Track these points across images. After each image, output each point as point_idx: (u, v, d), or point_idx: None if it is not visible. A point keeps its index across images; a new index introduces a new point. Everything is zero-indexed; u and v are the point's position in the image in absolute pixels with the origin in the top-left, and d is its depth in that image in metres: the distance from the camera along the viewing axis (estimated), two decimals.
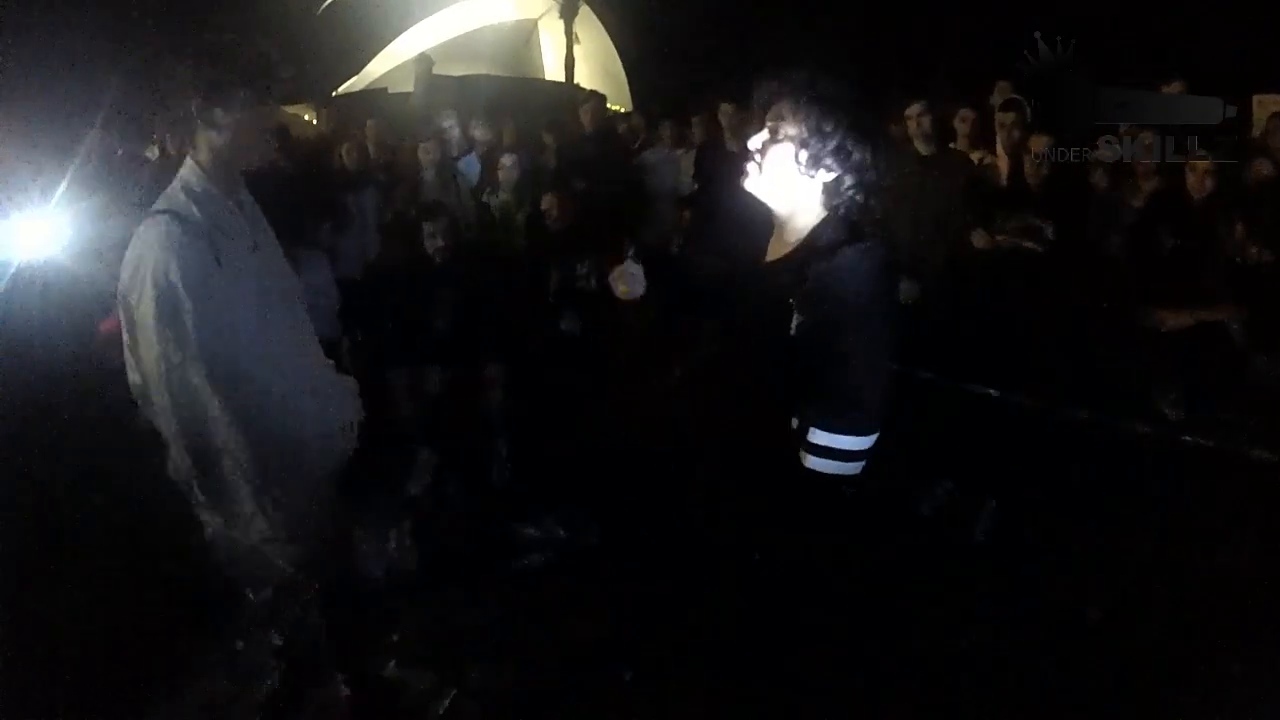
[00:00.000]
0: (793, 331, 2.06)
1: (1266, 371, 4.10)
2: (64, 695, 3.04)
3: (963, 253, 4.71)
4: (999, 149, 5.21)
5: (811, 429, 2.03)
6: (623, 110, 10.78)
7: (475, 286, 5.00)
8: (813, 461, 2.03)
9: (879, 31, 13.06)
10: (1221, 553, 3.74)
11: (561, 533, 4.25)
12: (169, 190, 2.27)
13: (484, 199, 5.99)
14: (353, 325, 5.13)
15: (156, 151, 7.43)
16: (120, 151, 6.88)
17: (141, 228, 2.20)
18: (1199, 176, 4.60)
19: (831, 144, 2.06)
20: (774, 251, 2.23)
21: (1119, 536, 3.86)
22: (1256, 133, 5.63)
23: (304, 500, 2.35)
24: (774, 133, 2.12)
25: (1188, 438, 4.03)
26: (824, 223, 2.12)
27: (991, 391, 4.32)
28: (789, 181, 2.13)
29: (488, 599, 3.84)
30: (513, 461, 4.87)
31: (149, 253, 2.17)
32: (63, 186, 4.74)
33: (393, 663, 3.37)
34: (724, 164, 5.80)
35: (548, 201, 5.28)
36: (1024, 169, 4.81)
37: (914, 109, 5.01)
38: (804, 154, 2.08)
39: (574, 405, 4.93)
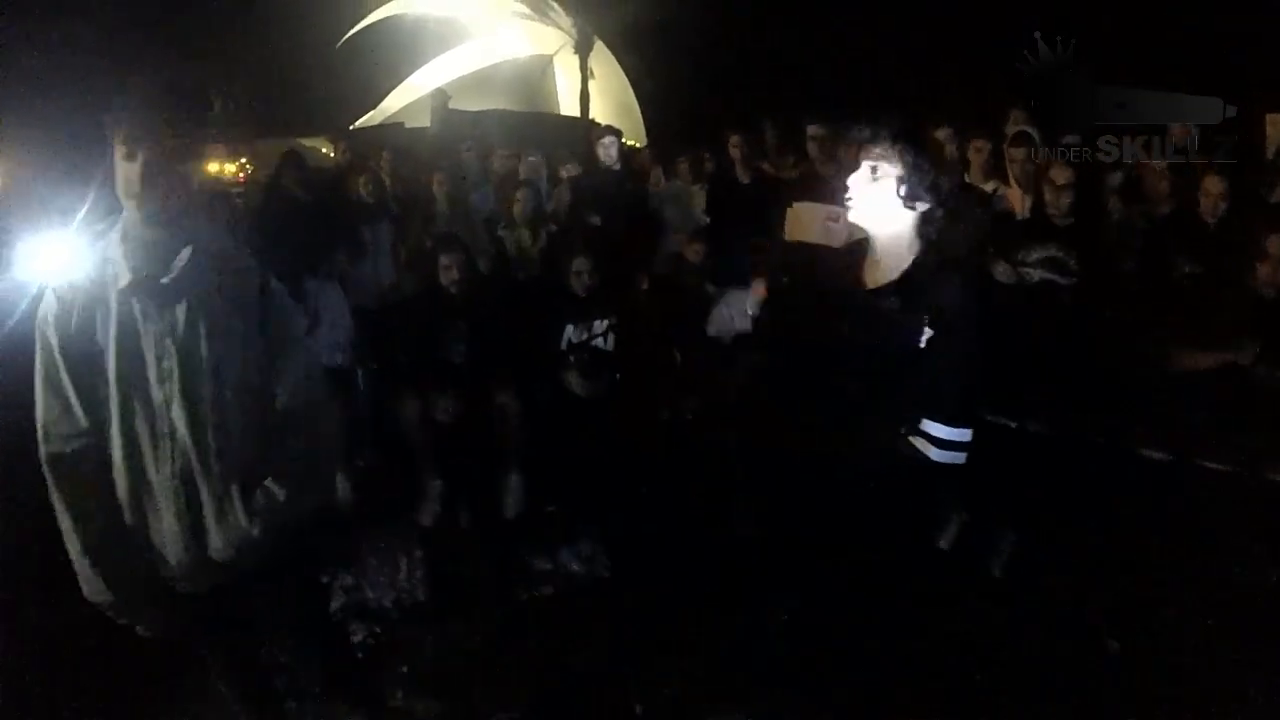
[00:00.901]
0: (923, 344, 2.30)
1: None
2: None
3: (986, 285, 4.69)
4: (1011, 182, 5.21)
5: (937, 425, 2.32)
6: (637, 144, 10.84)
7: (489, 318, 5.00)
8: (937, 454, 2.32)
9: (890, 62, 13.16)
10: (1240, 576, 3.72)
11: (574, 565, 4.23)
12: None
13: (499, 232, 6.03)
14: (368, 354, 5.15)
15: None
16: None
17: None
18: (1212, 200, 4.59)
19: (928, 179, 2.35)
20: (873, 278, 2.45)
21: (1144, 566, 3.85)
22: (1270, 154, 5.61)
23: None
24: (874, 170, 2.37)
25: (1212, 464, 4.01)
26: (926, 252, 2.40)
27: (1011, 423, 4.30)
28: (890, 215, 2.39)
29: (498, 629, 3.82)
30: (525, 492, 4.86)
31: None
32: (84, 207, 4.79)
33: (401, 692, 3.36)
34: (735, 196, 5.83)
35: (580, 264, 5.21)
36: (1043, 199, 4.80)
37: (942, 134, 5.01)
38: (904, 189, 2.35)
39: (588, 435, 4.92)
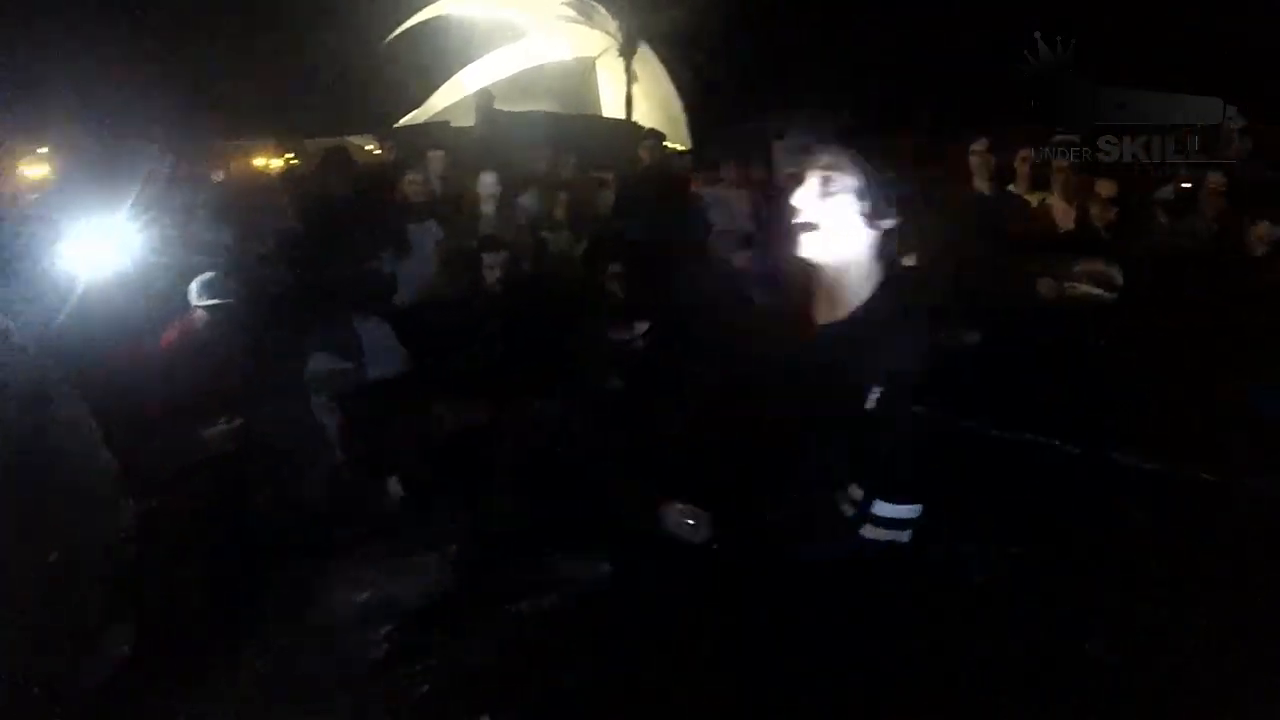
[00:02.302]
0: (870, 405, 1.89)
1: None
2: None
3: (1026, 297, 4.63)
4: (1057, 195, 5.14)
5: (876, 502, 1.93)
6: (681, 149, 10.81)
7: (530, 319, 4.98)
8: (873, 532, 1.94)
9: (941, 68, 13.06)
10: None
11: (601, 571, 4.15)
12: None
13: (541, 234, 6.02)
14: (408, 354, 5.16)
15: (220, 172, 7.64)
16: (177, 171, 7.00)
17: None
18: (1256, 239, 4.52)
19: (890, 191, 1.98)
20: (825, 313, 2.06)
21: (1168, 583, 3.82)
22: None
23: None
24: (826, 183, 1.99)
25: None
26: (886, 289, 2.00)
27: (1042, 439, 4.26)
28: (844, 235, 1.99)
29: (488, 641, 3.78)
30: (542, 499, 4.80)
31: None
32: (128, 201, 4.90)
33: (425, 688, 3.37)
34: (780, 204, 5.78)
35: (619, 268, 5.21)
36: (1088, 213, 4.73)
37: (979, 145, 4.94)
38: (865, 204, 1.97)
39: (626, 439, 4.88)
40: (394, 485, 4.96)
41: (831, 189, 1.98)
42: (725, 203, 6.41)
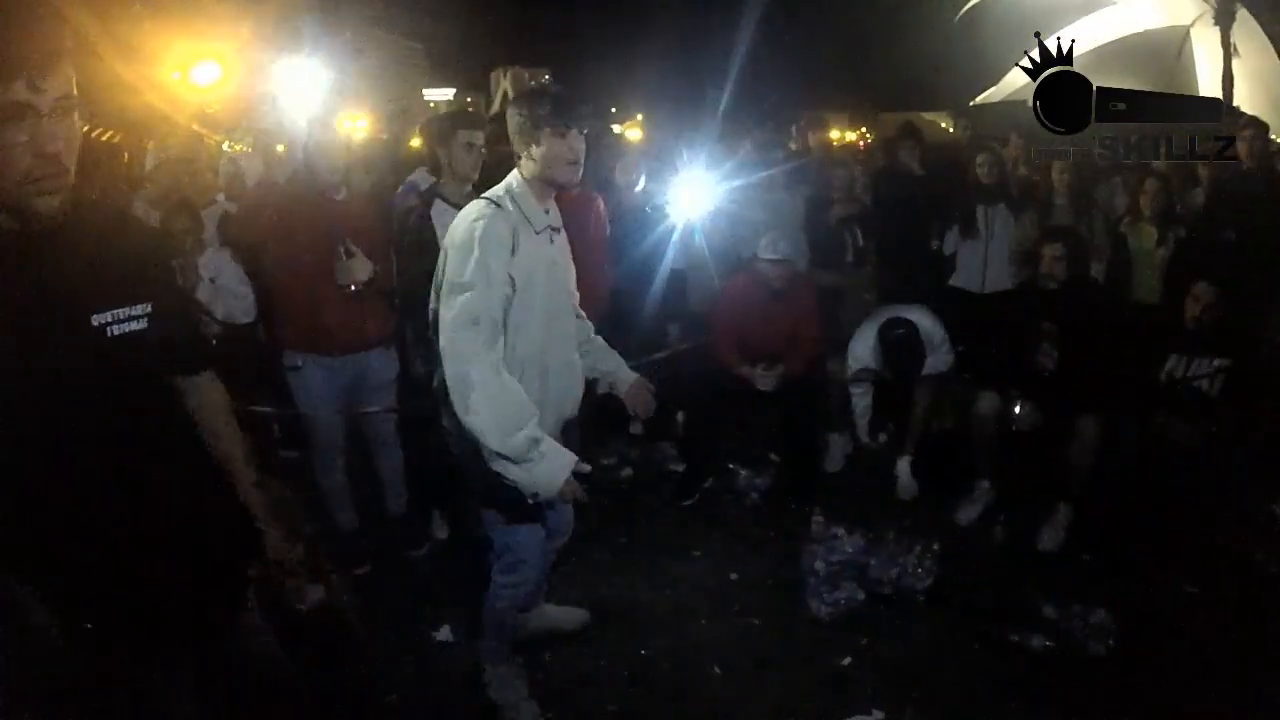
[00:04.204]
0: None
1: None
2: None
3: None
4: None
5: None
6: None
7: (1087, 325, 4.65)
8: None
9: None
10: None
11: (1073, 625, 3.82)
12: (497, 187, 2.95)
13: (1121, 229, 5.70)
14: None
15: (795, 144, 8.15)
16: (752, 142, 7.60)
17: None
18: None
19: None
20: None
21: None
22: None
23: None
24: None
25: None
26: None
27: None
28: None
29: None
30: (1066, 525, 4.60)
31: (462, 220, 2.85)
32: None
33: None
34: None
35: (1202, 291, 4.62)
36: None
37: None
38: None
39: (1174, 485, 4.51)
40: (904, 467, 5.15)
41: None
42: None
